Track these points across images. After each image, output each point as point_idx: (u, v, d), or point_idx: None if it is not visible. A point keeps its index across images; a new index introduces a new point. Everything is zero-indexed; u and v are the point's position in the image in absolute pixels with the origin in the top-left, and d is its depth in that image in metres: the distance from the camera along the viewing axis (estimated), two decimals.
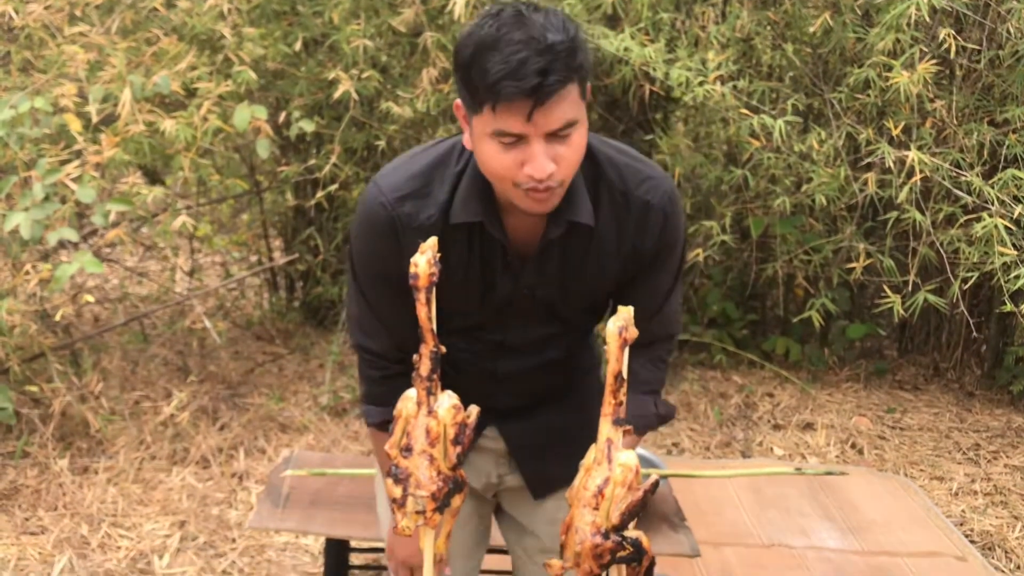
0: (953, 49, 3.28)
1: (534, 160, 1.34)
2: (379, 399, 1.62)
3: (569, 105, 1.34)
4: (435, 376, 1.31)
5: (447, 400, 1.31)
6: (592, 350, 1.80)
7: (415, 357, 1.32)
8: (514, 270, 1.53)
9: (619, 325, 1.33)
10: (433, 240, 1.34)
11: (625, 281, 1.58)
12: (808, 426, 4.08)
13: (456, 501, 1.32)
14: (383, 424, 1.61)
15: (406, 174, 1.51)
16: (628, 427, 1.36)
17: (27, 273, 3.26)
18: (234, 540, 3.05)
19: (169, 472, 3.42)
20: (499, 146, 1.35)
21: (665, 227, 1.54)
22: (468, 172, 1.47)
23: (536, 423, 1.73)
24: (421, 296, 1.31)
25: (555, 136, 1.35)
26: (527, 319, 1.60)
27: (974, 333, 4.16)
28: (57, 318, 3.40)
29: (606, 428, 1.35)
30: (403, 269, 1.47)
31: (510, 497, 1.81)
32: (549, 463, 1.73)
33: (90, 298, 3.70)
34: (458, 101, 1.42)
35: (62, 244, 3.52)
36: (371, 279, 1.56)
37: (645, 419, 1.64)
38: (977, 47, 3.50)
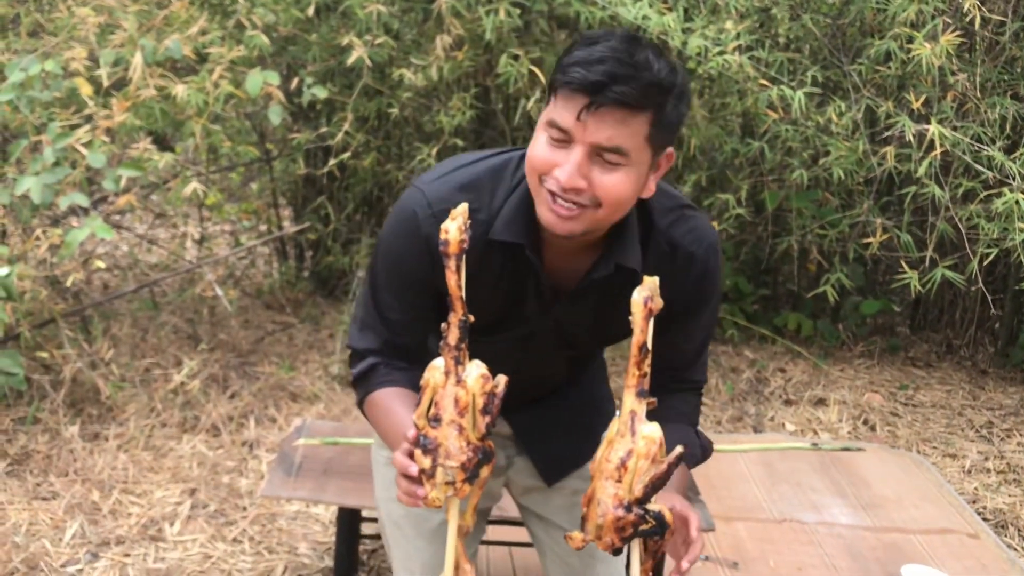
0: (977, 20, 3.22)
1: (565, 165, 1.31)
2: (365, 385, 1.54)
3: (627, 132, 1.30)
4: (463, 345, 1.29)
5: (475, 369, 1.29)
6: None
7: (443, 326, 1.30)
8: (546, 303, 1.49)
9: (644, 295, 1.31)
10: (464, 206, 1.31)
11: (656, 328, 1.55)
12: (820, 402, 4.06)
13: (484, 472, 1.30)
14: (363, 399, 1.55)
15: (456, 186, 1.44)
16: (652, 399, 1.34)
17: (38, 238, 3.25)
18: (245, 508, 3.05)
19: (179, 440, 3.41)
20: (547, 139, 1.33)
21: (704, 279, 1.50)
22: (520, 190, 1.42)
23: (541, 408, 1.70)
24: (451, 263, 1.29)
25: (599, 157, 1.31)
26: (544, 351, 1.56)
27: (991, 310, 4.13)
28: (68, 284, 3.38)
29: (629, 400, 1.33)
30: (427, 278, 1.43)
31: (522, 486, 1.78)
32: (557, 447, 1.72)
33: (100, 264, 3.68)
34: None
35: (72, 210, 3.49)
36: (391, 278, 1.49)
37: (690, 449, 1.57)
38: (1002, 19, 3.44)
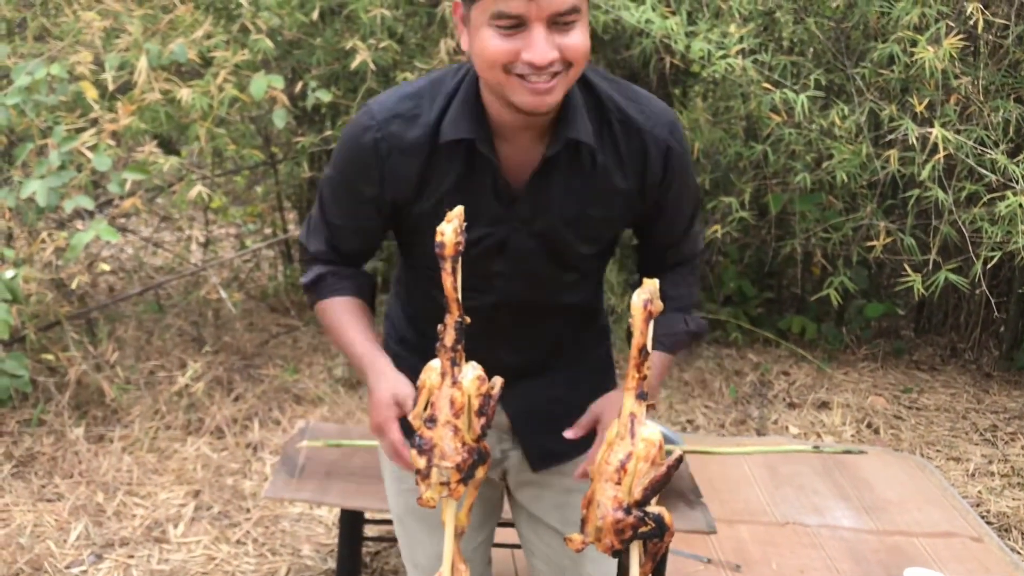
0: (980, 24, 3.22)
1: (534, 46, 1.31)
2: (315, 292, 1.60)
3: None
4: (459, 347, 1.29)
5: (471, 371, 1.30)
6: (600, 322, 1.76)
7: (439, 327, 1.30)
8: (506, 201, 1.48)
9: (644, 298, 1.31)
10: (460, 209, 1.31)
11: (641, 219, 1.56)
12: (824, 405, 4.06)
13: (479, 472, 1.31)
14: (313, 304, 1.61)
15: (398, 96, 1.49)
16: (652, 402, 1.34)
17: (43, 241, 3.26)
18: (248, 510, 3.06)
19: (184, 442, 3.43)
20: (496, 32, 1.33)
21: (670, 159, 1.50)
22: (462, 90, 1.44)
23: (539, 394, 1.68)
24: (447, 265, 1.29)
25: (557, 24, 1.32)
26: (528, 259, 1.53)
27: (995, 313, 4.12)
28: (73, 286, 3.40)
29: (629, 402, 1.33)
30: (368, 185, 1.49)
31: (516, 480, 1.78)
32: (548, 436, 1.69)
33: (106, 267, 3.70)
34: (456, 0, 1.39)
35: (78, 213, 3.51)
36: (336, 185, 1.55)
37: (675, 336, 1.61)
38: (1005, 22, 3.44)
